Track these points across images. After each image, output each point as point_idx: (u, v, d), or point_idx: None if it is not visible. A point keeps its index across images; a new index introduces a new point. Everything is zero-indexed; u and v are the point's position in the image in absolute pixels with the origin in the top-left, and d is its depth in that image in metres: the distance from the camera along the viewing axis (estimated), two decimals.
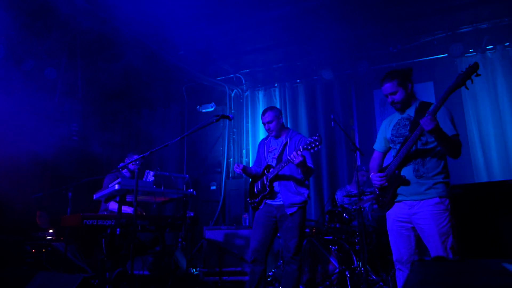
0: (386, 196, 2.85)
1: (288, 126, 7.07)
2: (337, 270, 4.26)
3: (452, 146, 2.64)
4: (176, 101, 8.01)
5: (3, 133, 5.62)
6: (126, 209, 4.48)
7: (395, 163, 2.80)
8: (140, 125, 8.28)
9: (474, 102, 5.90)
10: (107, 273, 3.72)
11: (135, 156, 4.70)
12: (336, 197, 5.73)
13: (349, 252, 4.49)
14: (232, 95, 7.64)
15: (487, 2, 5.46)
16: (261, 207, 3.63)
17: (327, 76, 6.72)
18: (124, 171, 5.02)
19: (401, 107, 2.89)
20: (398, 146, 2.88)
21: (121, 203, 3.83)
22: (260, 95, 7.49)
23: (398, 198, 2.81)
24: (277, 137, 3.74)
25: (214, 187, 7.18)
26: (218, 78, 7.52)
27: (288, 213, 3.46)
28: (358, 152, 4.47)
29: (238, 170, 3.64)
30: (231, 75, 7.50)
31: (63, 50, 5.91)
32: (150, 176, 4.16)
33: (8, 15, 5.04)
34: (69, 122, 6.90)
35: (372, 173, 2.99)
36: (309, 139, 3.17)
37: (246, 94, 7.61)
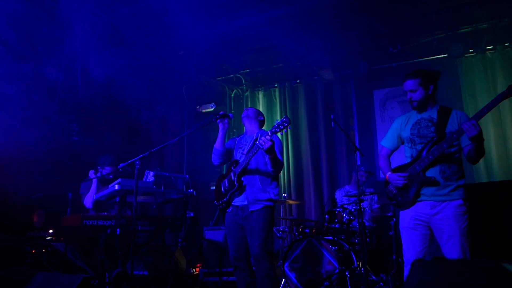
0: (408, 196, 2.84)
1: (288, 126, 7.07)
2: (337, 270, 4.25)
3: (481, 152, 2.73)
4: (176, 101, 8.00)
5: (3, 133, 5.62)
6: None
7: (421, 164, 2.78)
8: (140, 125, 8.27)
9: (474, 102, 5.89)
10: (107, 273, 3.72)
11: (108, 159, 4.56)
12: (335, 197, 5.73)
13: (349, 252, 4.49)
14: (232, 95, 7.64)
15: (487, 2, 5.45)
16: (229, 210, 3.45)
17: (327, 76, 6.71)
18: (95, 180, 4.53)
19: (418, 106, 2.91)
20: (419, 147, 2.87)
21: (121, 203, 3.83)
22: (260, 95, 7.49)
23: (420, 198, 2.82)
24: (249, 132, 3.63)
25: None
26: (218, 78, 7.52)
27: (251, 210, 3.24)
28: (358, 152, 4.47)
29: None
30: (231, 75, 7.50)
31: (63, 50, 5.90)
32: (150, 176, 4.14)
33: (8, 15, 5.04)
34: (69, 122, 6.89)
35: (390, 173, 2.97)
36: (278, 122, 3.04)
37: (246, 94, 7.61)
